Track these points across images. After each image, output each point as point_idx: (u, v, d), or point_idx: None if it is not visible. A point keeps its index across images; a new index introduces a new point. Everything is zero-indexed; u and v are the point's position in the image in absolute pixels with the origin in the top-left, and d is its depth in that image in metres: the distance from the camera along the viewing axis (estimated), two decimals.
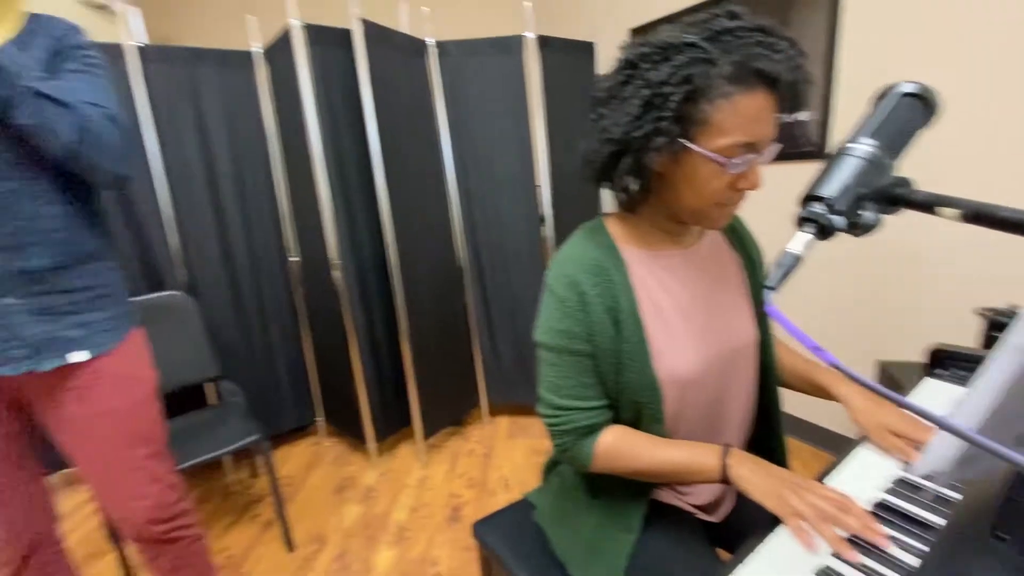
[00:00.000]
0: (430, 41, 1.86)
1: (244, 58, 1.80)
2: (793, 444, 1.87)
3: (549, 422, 0.73)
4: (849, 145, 0.41)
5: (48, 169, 0.82)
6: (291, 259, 2.01)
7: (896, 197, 0.37)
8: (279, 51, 1.72)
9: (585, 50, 2.03)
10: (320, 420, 2.21)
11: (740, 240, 0.82)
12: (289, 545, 1.56)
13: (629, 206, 0.72)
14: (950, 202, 0.33)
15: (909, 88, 0.42)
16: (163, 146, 1.70)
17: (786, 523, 0.57)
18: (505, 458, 1.97)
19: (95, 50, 0.90)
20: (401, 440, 2.12)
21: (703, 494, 0.80)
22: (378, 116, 1.66)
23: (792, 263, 0.39)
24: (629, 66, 0.62)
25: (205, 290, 1.83)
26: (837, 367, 0.33)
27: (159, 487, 0.99)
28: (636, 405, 0.70)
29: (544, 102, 1.93)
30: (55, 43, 0.85)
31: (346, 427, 2.11)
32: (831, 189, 0.39)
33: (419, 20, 1.83)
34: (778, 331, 0.84)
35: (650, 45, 0.61)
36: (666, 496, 0.80)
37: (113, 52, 1.58)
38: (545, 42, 1.90)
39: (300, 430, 2.21)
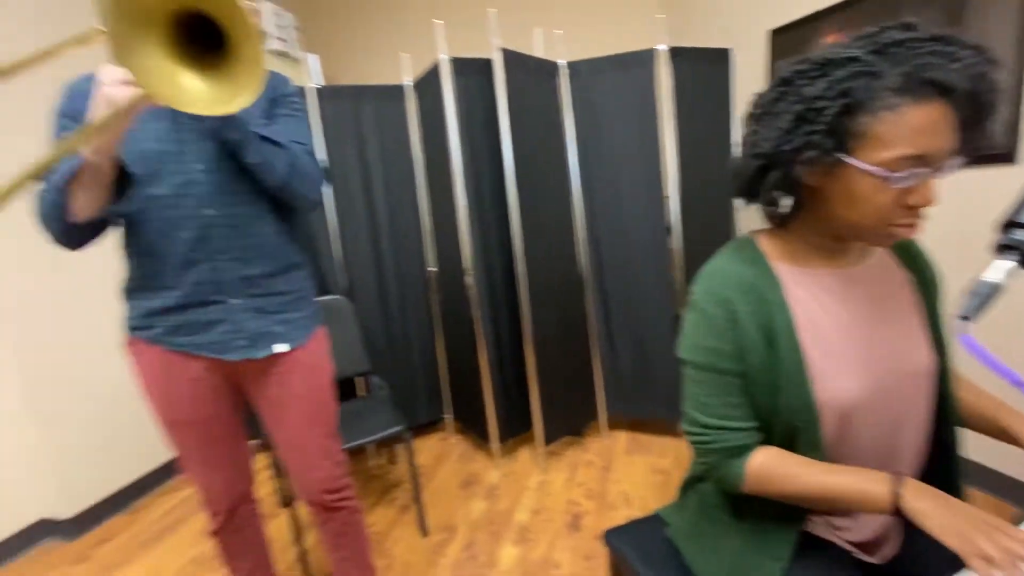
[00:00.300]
0: (561, 63, 1.94)
1: (397, 91, 2.05)
2: (971, 493, 1.59)
3: (695, 440, 0.73)
4: None
5: (266, 197, 1.03)
6: (429, 269, 2.21)
7: None
8: (427, 83, 1.93)
9: (720, 57, 1.96)
10: (448, 417, 2.38)
11: (911, 258, 0.75)
12: (423, 530, 1.71)
13: (781, 222, 0.71)
14: None
15: None
16: (331, 170, 1.99)
17: (970, 566, 0.51)
18: (624, 473, 1.95)
19: (299, 96, 1.11)
20: (522, 444, 2.20)
21: (864, 529, 0.74)
22: (512, 136, 1.78)
23: (990, 292, 0.37)
24: (784, 83, 0.62)
25: (359, 295, 2.10)
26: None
27: (330, 463, 1.16)
28: (792, 429, 0.67)
29: (675, 112, 1.90)
30: (272, 92, 1.06)
31: (471, 426, 2.26)
32: None
33: (552, 42, 1.92)
34: (960, 363, 0.76)
35: (808, 62, 0.60)
36: (820, 529, 0.76)
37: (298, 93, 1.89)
38: (677, 53, 1.87)
39: (430, 425, 2.41)
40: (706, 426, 0.71)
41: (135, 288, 1.00)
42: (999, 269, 0.37)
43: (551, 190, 1.99)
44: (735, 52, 1.98)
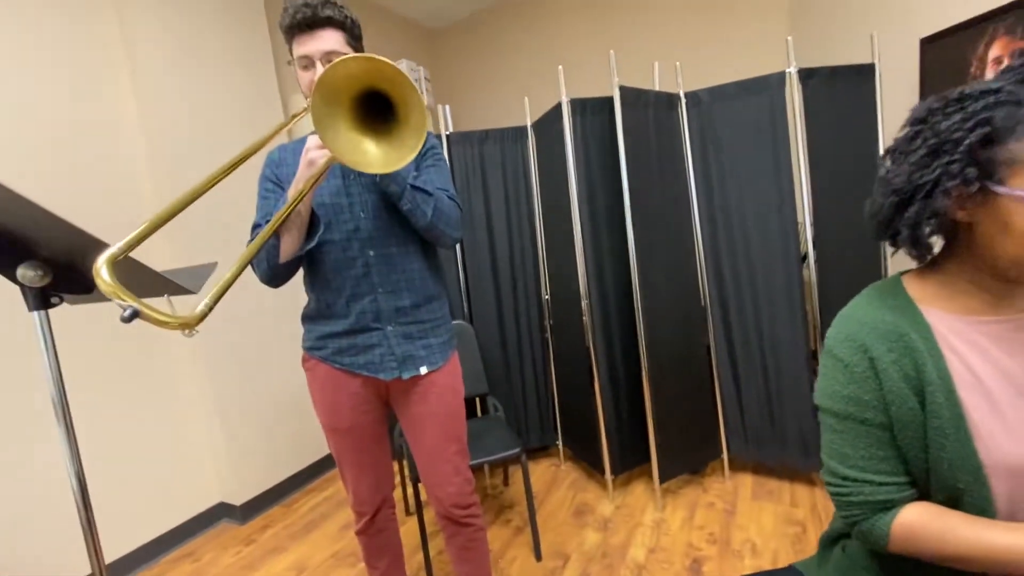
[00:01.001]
0: (680, 93, 1.94)
1: (519, 132, 2.20)
2: None
3: (834, 492, 0.69)
4: None
5: (414, 237, 1.18)
6: (544, 297, 2.29)
7: None
8: (547, 122, 2.05)
9: (861, 73, 1.82)
10: (559, 444, 2.41)
11: None
12: (537, 554, 1.74)
13: (932, 263, 0.66)
14: None
15: None
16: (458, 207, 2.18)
17: None
18: (750, 519, 1.81)
19: (439, 146, 1.26)
20: (636, 477, 2.15)
21: None
22: (629, 167, 1.81)
23: None
24: (918, 121, 0.61)
25: (479, 320, 2.24)
26: None
27: (460, 479, 1.25)
28: (955, 491, 0.61)
29: (806, 135, 1.80)
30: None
31: (583, 454, 2.26)
32: None
33: (673, 73, 1.94)
34: None
35: (943, 99, 0.59)
36: None
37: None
38: (810, 74, 1.78)
39: (540, 450, 2.45)
40: (846, 478, 0.67)
41: (313, 316, 1.19)
42: None
43: (670, 219, 1.97)
44: (881, 65, 1.82)
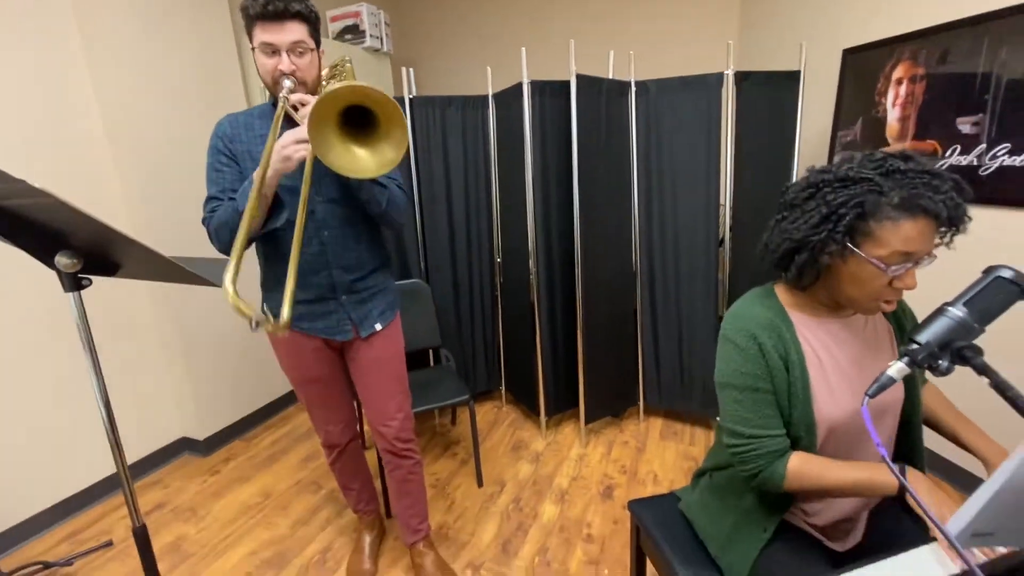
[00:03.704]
0: (631, 81, 2.09)
1: (480, 101, 2.28)
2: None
3: (740, 451, 0.89)
4: (947, 307, 0.57)
5: (364, 218, 1.30)
6: (496, 259, 2.49)
7: (964, 358, 0.53)
8: (506, 97, 2.15)
9: (789, 79, 2.04)
10: (502, 389, 2.70)
11: (896, 313, 0.94)
12: (479, 481, 2.05)
13: (798, 286, 0.91)
14: (989, 373, 0.49)
15: (1007, 274, 0.56)
16: (418, 170, 2.28)
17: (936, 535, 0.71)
18: (656, 455, 2.20)
19: None
20: (566, 419, 2.49)
21: (826, 515, 0.96)
22: (581, 146, 1.98)
23: (887, 383, 0.58)
24: (812, 187, 0.82)
25: (435, 279, 2.41)
26: (888, 463, 0.53)
27: (402, 416, 1.45)
28: (796, 440, 0.88)
29: (735, 132, 2.03)
30: None
31: (522, 398, 2.57)
32: (923, 336, 0.57)
33: (626, 62, 2.08)
34: (942, 386, 0.95)
35: (832, 174, 0.80)
36: (797, 519, 0.99)
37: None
38: (744, 77, 1.98)
39: (485, 393, 2.74)
40: (749, 436, 0.88)
41: (272, 286, 1.32)
42: (896, 369, 0.58)
43: (613, 195, 2.18)
44: (809, 72, 2.04)
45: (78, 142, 1.92)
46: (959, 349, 0.54)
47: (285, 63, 1.11)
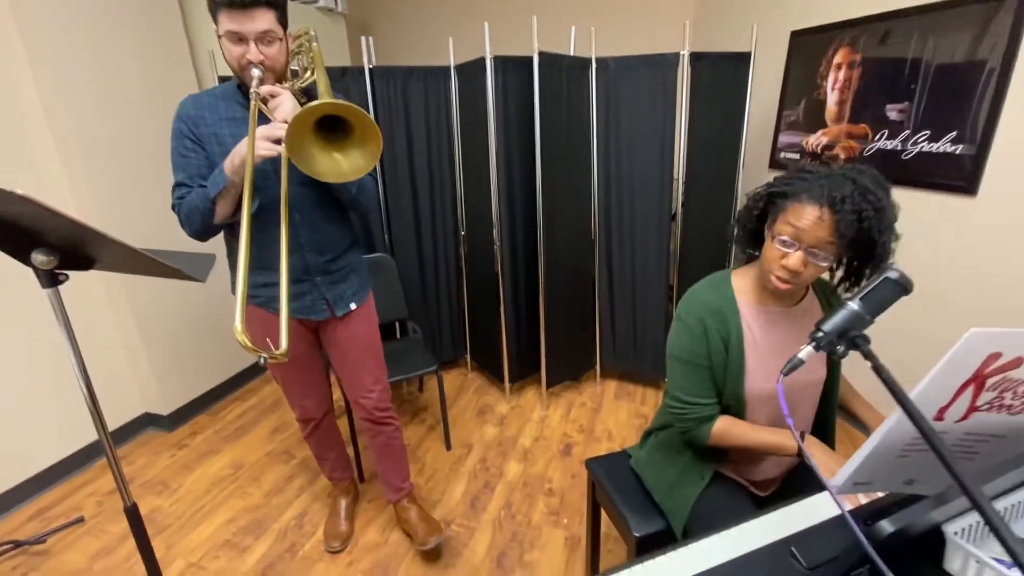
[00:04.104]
0: (591, 58, 2.13)
1: (443, 73, 2.26)
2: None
3: (679, 413, 1.06)
4: (848, 302, 0.69)
5: (337, 203, 1.33)
6: (461, 232, 2.53)
7: (856, 345, 0.66)
8: (470, 69, 2.14)
9: (740, 60, 2.13)
10: (467, 357, 2.80)
11: (829, 304, 1.08)
12: (447, 445, 2.18)
13: (749, 261, 1.06)
14: (871, 358, 0.61)
15: (893, 276, 0.68)
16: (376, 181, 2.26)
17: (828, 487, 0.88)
18: (610, 414, 2.39)
19: None
20: (528, 384, 2.64)
21: (757, 471, 1.13)
22: (543, 120, 2.03)
23: (797, 364, 0.71)
24: (759, 191, 0.99)
25: (400, 252, 2.44)
26: (792, 431, 0.65)
27: (380, 387, 1.54)
28: (727, 408, 1.05)
29: (688, 109, 2.12)
30: None
31: (487, 365, 2.69)
32: (827, 326, 0.68)
33: (586, 38, 2.11)
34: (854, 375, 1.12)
35: (769, 185, 0.97)
36: (729, 471, 1.15)
37: (356, 72, 2.12)
38: (698, 57, 2.06)
39: (451, 362, 2.84)
40: (687, 402, 1.05)
41: (248, 266, 1.32)
42: (805, 352, 0.70)
43: (574, 167, 2.25)
44: (760, 52, 2.14)
45: (17, 126, 1.81)
46: (853, 337, 0.66)
47: (253, 53, 1.09)
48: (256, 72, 1.10)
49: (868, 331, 0.68)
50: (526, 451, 2.15)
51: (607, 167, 2.31)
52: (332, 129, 1.02)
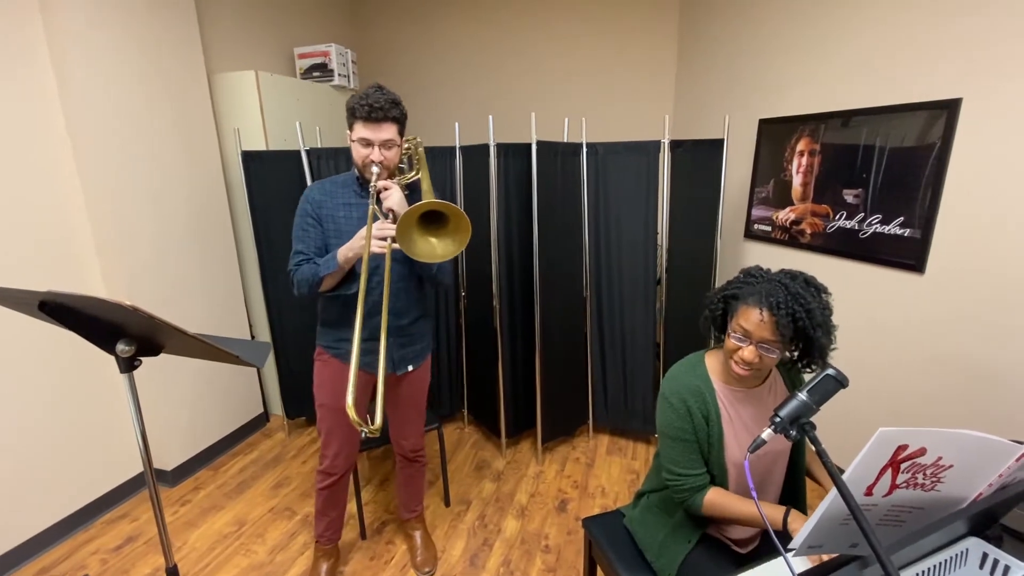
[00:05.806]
0: (583, 143, 2.38)
1: (449, 152, 2.49)
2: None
3: (675, 484, 1.19)
4: (798, 394, 0.86)
5: (416, 275, 1.56)
6: (462, 294, 2.70)
7: (804, 430, 0.81)
8: (474, 152, 2.38)
9: (714, 146, 2.39)
10: (464, 411, 2.91)
11: (792, 382, 1.25)
12: (446, 501, 2.25)
13: (718, 345, 1.22)
14: (815, 443, 0.77)
15: (832, 372, 0.85)
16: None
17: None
18: (603, 470, 2.49)
19: None
20: (524, 439, 2.74)
21: (739, 532, 1.26)
22: (539, 199, 2.24)
23: (760, 443, 0.86)
24: (715, 294, 1.17)
25: None
26: (755, 502, 0.80)
27: (418, 434, 1.78)
28: (712, 477, 1.18)
29: (669, 189, 2.36)
30: None
31: (483, 420, 2.79)
32: (784, 412, 0.84)
33: (579, 126, 2.36)
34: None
35: (726, 285, 1.15)
36: (714, 532, 1.27)
37: None
38: (678, 144, 2.32)
39: (449, 416, 2.94)
40: (680, 474, 1.19)
41: (332, 322, 1.55)
42: (766, 434, 0.86)
43: (567, 239, 2.46)
44: (732, 134, 2.41)
45: (59, 207, 2.00)
46: (802, 424, 0.82)
47: (376, 155, 1.37)
48: (375, 169, 1.37)
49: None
50: (523, 507, 2.23)
51: (597, 237, 2.52)
52: (431, 220, 1.26)
